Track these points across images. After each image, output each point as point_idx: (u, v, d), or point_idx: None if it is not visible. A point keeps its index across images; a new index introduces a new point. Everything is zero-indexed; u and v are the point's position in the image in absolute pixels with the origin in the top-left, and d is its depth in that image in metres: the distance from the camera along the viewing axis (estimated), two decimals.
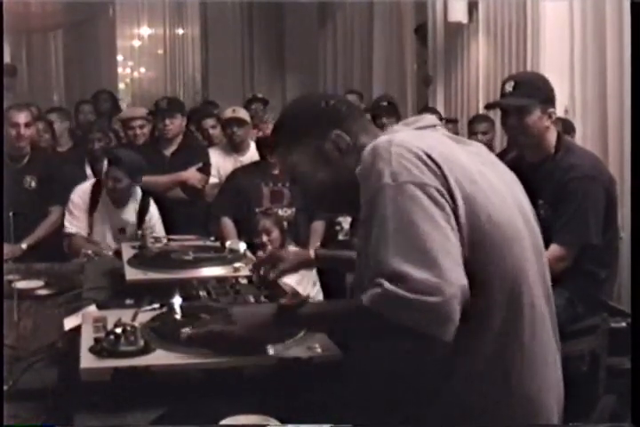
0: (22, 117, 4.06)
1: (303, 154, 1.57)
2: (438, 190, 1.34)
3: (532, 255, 1.46)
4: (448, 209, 1.34)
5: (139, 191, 3.97)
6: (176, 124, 4.45)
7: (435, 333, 1.27)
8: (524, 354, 1.41)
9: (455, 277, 1.29)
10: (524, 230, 1.46)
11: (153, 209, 3.97)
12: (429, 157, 1.37)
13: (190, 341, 1.56)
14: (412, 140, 1.41)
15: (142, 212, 3.91)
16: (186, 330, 1.58)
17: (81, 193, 3.88)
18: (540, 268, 1.49)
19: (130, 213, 3.91)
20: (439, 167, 1.37)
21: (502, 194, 1.45)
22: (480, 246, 1.36)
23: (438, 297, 1.25)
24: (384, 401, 1.46)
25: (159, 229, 3.92)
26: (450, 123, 5.56)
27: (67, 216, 3.85)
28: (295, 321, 1.48)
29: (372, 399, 1.48)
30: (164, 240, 2.75)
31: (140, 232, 2.74)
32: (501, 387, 1.41)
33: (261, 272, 2.04)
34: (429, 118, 1.59)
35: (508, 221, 1.41)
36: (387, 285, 1.27)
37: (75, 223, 3.83)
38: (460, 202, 1.36)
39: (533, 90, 2.73)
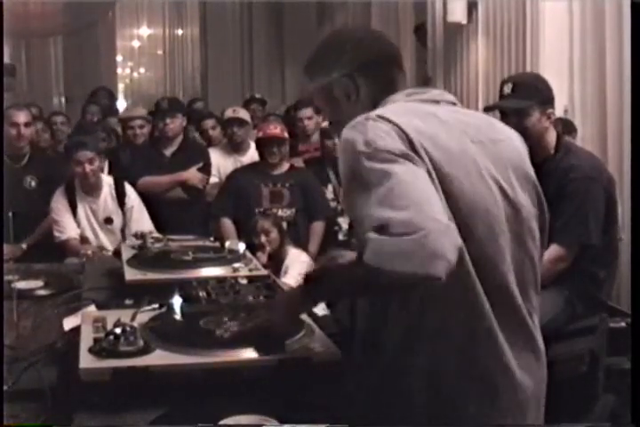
0: (22, 117, 4.07)
1: (316, 91, 1.61)
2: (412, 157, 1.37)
3: (507, 234, 1.48)
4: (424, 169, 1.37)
5: (108, 178, 4.02)
6: (176, 123, 4.45)
7: (427, 271, 1.24)
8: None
9: (438, 215, 1.29)
10: (501, 206, 1.48)
11: (129, 191, 4.01)
12: (403, 131, 1.39)
13: (235, 338, 1.58)
14: (391, 116, 1.42)
15: (120, 196, 3.94)
16: (226, 328, 1.61)
17: (58, 197, 3.90)
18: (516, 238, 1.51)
19: (108, 201, 3.95)
20: (411, 143, 1.39)
21: (481, 173, 1.46)
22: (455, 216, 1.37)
23: (420, 232, 1.24)
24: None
25: (140, 209, 3.95)
26: None
27: (54, 225, 3.87)
28: (320, 290, 1.49)
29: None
30: (164, 240, 2.75)
31: (140, 232, 2.73)
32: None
33: None
34: (434, 93, 1.60)
35: (483, 200, 1.43)
36: (373, 236, 1.27)
37: (63, 229, 3.85)
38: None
39: (532, 91, 2.73)
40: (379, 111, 1.45)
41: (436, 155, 1.40)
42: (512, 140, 1.63)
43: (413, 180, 1.33)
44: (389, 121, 1.40)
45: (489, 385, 1.46)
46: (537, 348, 1.60)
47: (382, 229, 1.27)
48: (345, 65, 1.56)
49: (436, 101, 1.57)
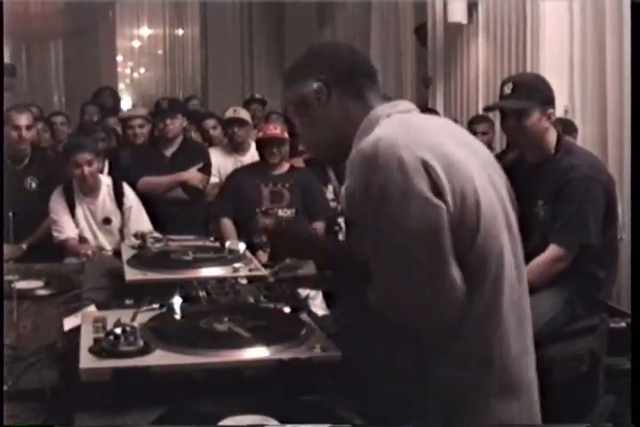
0: (24, 119, 4.07)
1: (291, 99, 1.69)
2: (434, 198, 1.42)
3: (506, 236, 1.52)
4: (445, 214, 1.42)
5: (107, 179, 4.02)
6: (176, 124, 4.46)
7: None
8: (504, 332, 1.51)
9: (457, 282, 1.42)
10: (499, 209, 1.52)
11: (128, 191, 4.00)
12: (427, 164, 1.43)
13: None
14: (410, 144, 1.46)
15: (118, 196, 3.94)
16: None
17: (57, 197, 3.90)
18: (513, 248, 1.55)
19: (107, 202, 3.94)
20: (435, 172, 1.43)
21: (481, 177, 1.51)
22: (474, 236, 1.45)
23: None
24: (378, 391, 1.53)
25: (139, 209, 3.95)
26: None
27: (52, 225, 3.87)
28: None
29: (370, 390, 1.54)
30: (164, 240, 2.75)
31: (140, 232, 2.73)
32: (485, 369, 1.49)
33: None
34: (406, 104, 1.65)
35: (490, 207, 1.48)
36: None
37: (62, 229, 3.85)
38: (451, 201, 1.42)
39: (532, 92, 2.73)
40: (400, 140, 1.47)
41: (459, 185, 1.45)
42: (476, 139, 1.71)
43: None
44: (413, 155, 1.44)
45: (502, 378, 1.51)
46: None
47: None
48: (319, 73, 1.63)
49: (409, 111, 1.63)
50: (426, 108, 5.95)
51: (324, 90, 1.62)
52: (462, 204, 1.43)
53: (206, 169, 4.51)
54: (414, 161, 1.42)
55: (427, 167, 1.42)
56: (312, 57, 1.69)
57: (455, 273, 1.42)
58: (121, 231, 3.91)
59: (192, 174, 4.41)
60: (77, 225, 3.89)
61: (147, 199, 4.07)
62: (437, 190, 1.41)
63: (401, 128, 1.52)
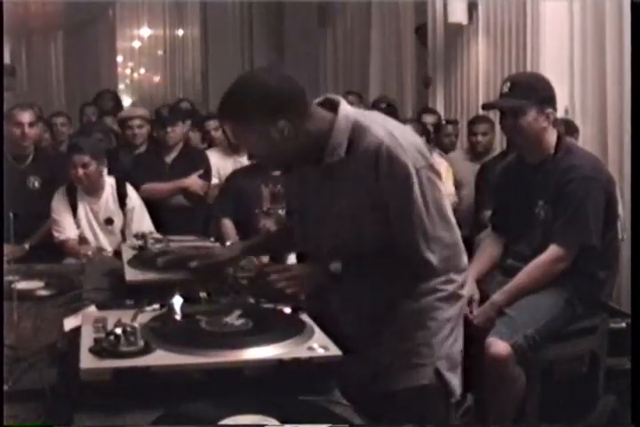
0: (26, 117, 4.08)
1: (249, 133, 1.79)
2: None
3: None
4: None
5: (110, 179, 4.00)
6: (177, 131, 4.49)
7: None
8: None
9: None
10: None
11: (131, 192, 4.00)
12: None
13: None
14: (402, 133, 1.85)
15: (121, 197, 3.94)
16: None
17: (59, 197, 3.90)
18: None
19: (109, 202, 3.94)
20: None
21: None
22: None
23: None
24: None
25: (141, 210, 3.95)
26: (450, 124, 5.57)
27: (53, 225, 3.87)
28: None
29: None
30: (165, 241, 2.75)
31: (140, 233, 2.73)
32: None
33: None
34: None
35: None
36: None
37: (62, 229, 3.85)
38: None
39: (529, 91, 2.72)
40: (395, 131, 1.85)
41: None
42: None
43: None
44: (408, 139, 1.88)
45: None
46: None
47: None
48: (271, 110, 1.74)
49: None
50: (426, 108, 5.96)
51: (291, 127, 1.75)
52: None
53: (207, 175, 4.52)
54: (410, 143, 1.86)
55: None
56: (251, 93, 1.75)
57: None
58: (123, 232, 3.90)
59: (193, 181, 4.43)
60: (79, 225, 3.89)
61: (148, 206, 4.08)
62: None
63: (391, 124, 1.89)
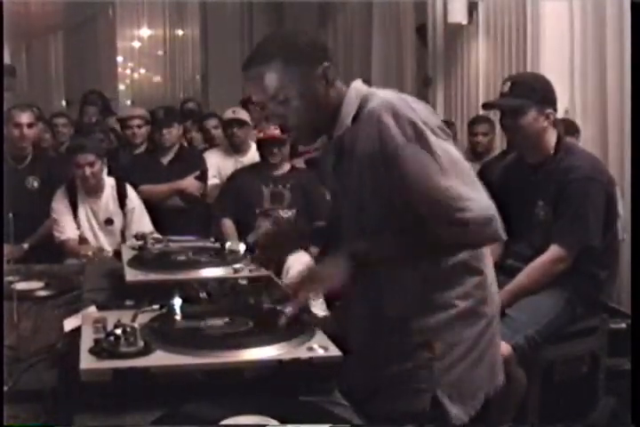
0: (25, 118, 4.09)
1: (289, 80, 1.69)
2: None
3: None
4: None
5: (110, 180, 4.01)
6: (173, 133, 4.52)
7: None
8: None
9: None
10: None
11: (131, 193, 4.00)
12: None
13: None
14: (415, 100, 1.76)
15: (121, 197, 3.95)
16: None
17: (59, 197, 3.90)
18: None
19: (110, 203, 3.95)
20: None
21: None
22: None
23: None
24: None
25: (141, 211, 3.96)
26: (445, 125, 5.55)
27: (53, 225, 3.87)
28: None
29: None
30: (165, 241, 2.75)
31: (140, 233, 2.73)
32: None
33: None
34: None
35: None
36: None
37: (62, 230, 3.85)
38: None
39: (529, 91, 2.72)
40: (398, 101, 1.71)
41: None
42: None
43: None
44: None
45: None
46: None
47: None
48: (314, 50, 1.72)
49: None
50: None
51: (332, 68, 1.72)
52: None
53: (203, 177, 4.53)
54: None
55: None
56: (299, 40, 1.74)
57: None
58: (122, 233, 3.91)
59: (190, 183, 4.45)
60: (79, 225, 3.89)
61: (145, 207, 4.08)
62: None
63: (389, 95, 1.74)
